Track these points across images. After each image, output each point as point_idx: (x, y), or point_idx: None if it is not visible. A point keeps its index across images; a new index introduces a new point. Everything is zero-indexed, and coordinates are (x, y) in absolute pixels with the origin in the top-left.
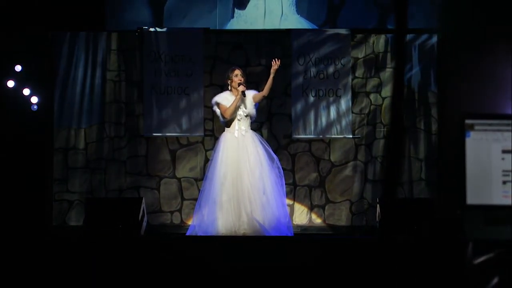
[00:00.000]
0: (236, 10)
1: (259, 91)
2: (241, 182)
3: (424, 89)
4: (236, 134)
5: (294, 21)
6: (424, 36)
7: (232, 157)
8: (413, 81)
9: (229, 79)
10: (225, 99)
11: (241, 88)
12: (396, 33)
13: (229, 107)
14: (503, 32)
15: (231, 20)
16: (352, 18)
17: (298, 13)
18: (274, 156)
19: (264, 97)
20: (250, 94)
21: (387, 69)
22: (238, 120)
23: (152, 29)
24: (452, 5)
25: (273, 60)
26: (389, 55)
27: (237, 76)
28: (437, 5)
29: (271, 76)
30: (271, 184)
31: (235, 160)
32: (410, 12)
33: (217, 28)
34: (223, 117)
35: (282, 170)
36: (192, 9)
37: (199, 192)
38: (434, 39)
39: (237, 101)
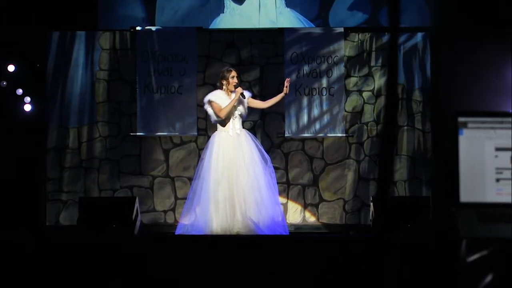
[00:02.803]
0: (229, 4)
1: (252, 92)
2: (237, 181)
3: (411, 87)
4: (231, 133)
5: (285, 15)
6: (407, 34)
7: (227, 156)
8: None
9: (225, 79)
10: (219, 98)
11: (240, 89)
12: (389, 32)
13: (226, 107)
14: (497, 28)
15: (223, 14)
16: (344, 12)
17: (289, 7)
18: (267, 156)
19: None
20: (246, 95)
21: (381, 67)
22: (232, 119)
23: (145, 28)
24: (447, 2)
25: (286, 81)
26: (382, 53)
27: (233, 77)
28: (431, 1)
29: (280, 96)
30: (265, 183)
31: (231, 159)
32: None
33: (210, 22)
34: (218, 116)
35: (274, 170)
36: (185, 4)
37: None
38: (418, 36)
39: (234, 102)
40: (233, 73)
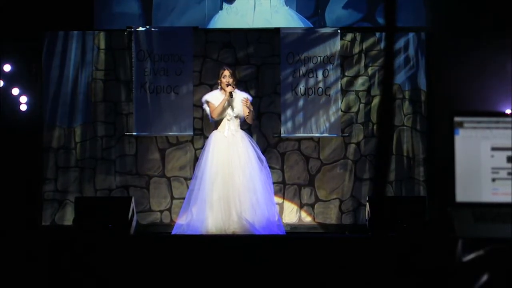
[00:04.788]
0: (224, 3)
1: (249, 93)
2: (232, 181)
3: (407, 87)
4: (226, 134)
5: (283, 13)
6: (403, 33)
7: (222, 156)
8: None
9: (219, 79)
10: (215, 98)
11: (229, 89)
12: (385, 31)
13: (216, 107)
14: (494, 27)
15: (220, 12)
16: (340, 10)
17: (286, 5)
18: (263, 157)
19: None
20: (242, 96)
21: (376, 67)
22: (228, 120)
23: (141, 29)
24: (442, 1)
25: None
26: (378, 52)
27: (225, 77)
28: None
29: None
30: (261, 184)
31: (226, 160)
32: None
33: (206, 20)
34: (211, 116)
35: (270, 170)
36: (181, 1)
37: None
38: (415, 36)
39: (224, 102)
40: (225, 73)
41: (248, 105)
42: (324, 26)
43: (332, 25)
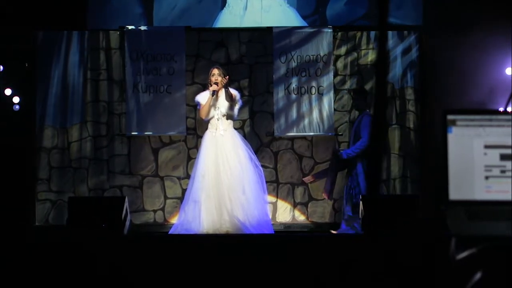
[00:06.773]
0: (229, 1)
1: (242, 92)
2: (220, 181)
3: (401, 85)
4: (214, 134)
5: (283, 11)
6: (398, 32)
7: (210, 156)
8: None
9: (209, 78)
10: (204, 98)
11: (212, 87)
12: (378, 30)
13: (203, 107)
14: (486, 27)
15: (221, 11)
16: (341, 8)
17: (287, 3)
18: (254, 156)
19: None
20: (233, 93)
21: (369, 66)
22: (217, 119)
23: (133, 28)
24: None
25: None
26: (371, 51)
27: (214, 75)
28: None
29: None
30: (252, 184)
31: (213, 160)
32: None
33: (206, 19)
34: (200, 116)
35: (262, 170)
36: (181, 0)
37: (182, 190)
38: (409, 34)
39: (209, 101)
40: (214, 71)
41: (231, 94)
42: (325, 23)
43: (333, 23)
